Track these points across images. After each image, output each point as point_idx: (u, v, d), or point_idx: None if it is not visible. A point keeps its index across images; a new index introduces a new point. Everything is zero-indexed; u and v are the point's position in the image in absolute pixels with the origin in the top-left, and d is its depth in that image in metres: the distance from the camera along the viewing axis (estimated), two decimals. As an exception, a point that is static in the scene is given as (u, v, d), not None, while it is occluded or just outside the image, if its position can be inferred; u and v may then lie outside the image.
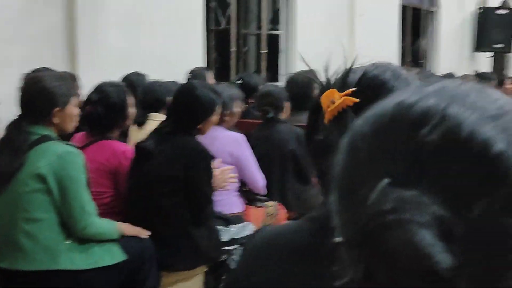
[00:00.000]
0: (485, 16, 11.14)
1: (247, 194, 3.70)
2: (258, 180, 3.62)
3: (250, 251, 0.96)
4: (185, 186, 2.94)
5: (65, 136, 2.85)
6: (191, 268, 3.05)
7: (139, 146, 3.04)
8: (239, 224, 3.35)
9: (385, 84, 0.90)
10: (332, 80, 0.89)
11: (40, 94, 2.66)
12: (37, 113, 2.68)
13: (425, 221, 0.45)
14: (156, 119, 3.61)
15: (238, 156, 3.49)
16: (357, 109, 0.78)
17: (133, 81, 4.34)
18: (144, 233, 2.92)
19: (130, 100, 3.24)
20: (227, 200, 3.43)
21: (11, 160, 2.60)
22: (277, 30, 7.87)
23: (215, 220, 3.19)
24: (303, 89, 4.48)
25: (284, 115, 4.00)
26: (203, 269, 3.11)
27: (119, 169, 3.07)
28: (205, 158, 2.99)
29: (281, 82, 6.81)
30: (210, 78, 5.21)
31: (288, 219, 3.68)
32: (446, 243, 0.44)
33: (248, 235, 3.30)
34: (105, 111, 3.09)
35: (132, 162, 3.04)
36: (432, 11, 10.84)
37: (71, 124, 2.78)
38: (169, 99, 3.35)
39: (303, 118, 4.13)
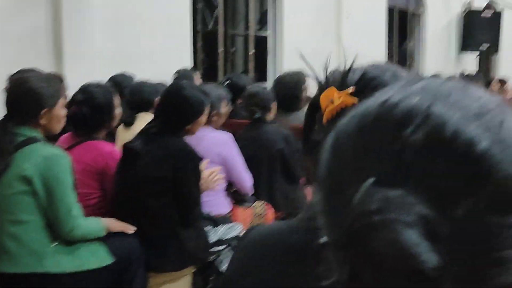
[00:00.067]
0: (470, 18, 11.23)
1: (235, 194, 3.70)
2: (246, 180, 3.61)
3: (243, 251, 0.96)
4: (173, 187, 2.93)
5: (51, 137, 2.83)
6: (179, 269, 3.04)
7: (126, 147, 3.03)
8: (227, 225, 3.34)
9: (385, 85, 0.90)
10: (331, 79, 0.89)
11: (27, 95, 2.64)
12: (23, 114, 2.66)
13: (411, 221, 0.45)
14: (143, 120, 3.60)
15: (226, 156, 3.49)
16: None
17: (120, 82, 4.33)
18: (130, 228, 2.90)
19: (116, 100, 3.22)
20: (214, 201, 3.43)
21: (-4, 162, 2.58)
22: (265, 31, 7.88)
23: (203, 221, 3.19)
24: (291, 90, 4.50)
25: (271, 115, 4.00)
26: (191, 270, 3.11)
27: (105, 169, 3.05)
28: (193, 159, 2.98)
29: (269, 83, 6.83)
30: (197, 79, 5.21)
31: (276, 219, 3.68)
32: (432, 242, 0.44)
33: (236, 236, 3.30)
34: (91, 111, 3.08)
35: (119, 162, 3.03)
36: (418, 13, 10.90)
37: (58, 126, 2.76)
38: (158, 99, 3.35)
39: (291, 118, 4.15)
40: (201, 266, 3.20)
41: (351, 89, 0.86)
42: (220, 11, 7.14)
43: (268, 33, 7.82)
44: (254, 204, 3.70)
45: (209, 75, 7.14)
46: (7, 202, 2.58)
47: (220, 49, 7.15)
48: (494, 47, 11.33)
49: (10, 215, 2.58)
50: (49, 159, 2.58)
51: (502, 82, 9.64)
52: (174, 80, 4.89)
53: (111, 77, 4.49)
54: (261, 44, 7.76)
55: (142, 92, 3.92)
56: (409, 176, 0.47)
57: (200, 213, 3.11)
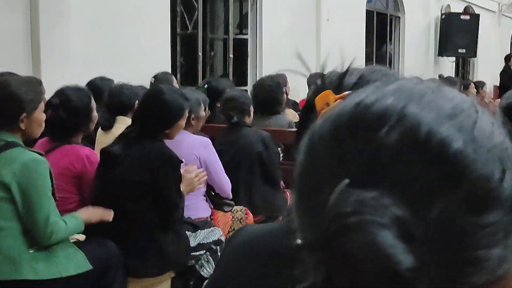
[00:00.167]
0: (448, 22, 11.35)
1: (215, 198, 3.70)
2: (225, 184, 3.62)
3: (231, 253, 0.96)
4: (152, 190, 2.92)
5: (28, 142, 2.80)
6: (158, 274, 3.02)
7: (105, 151, 3.01)
8: (207, 229, 3.34)
9: None
10: (327, 82, 0.88)
11: (7, 100, 2.61)
12: (3, 119, 2.63)
13: (386, 222, 0.44)
14: (123, 123, 3.58)
15: (205, 160, 3.49)
16: None
17: (98, 86, 4.31)
18: (109, 214, 2.89)
19: (93, 103, 3.20)
20: (194, 205, 3.42)
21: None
22: (244, 34, 7.89)
23: (183, 225, 3.18)
24: (271, 94, 4.51)
25: (249, 119, 4.01)
26: (170, 274, 3.09)
27: (83, 173, 3.03)
28: (172, 162, 2.97)
29: (249, 87, 6.83)
30: (174, 83, 5.19)
31: (256, 223, 3.68)
32: (407, 243, 0.44)
33: (216, 240, 3.30)
34: (67, 115, 3.05)
35: (98, 167, 3.01)
36: (397, 16, 10.99)
37: (38, 130, 2.74)
38: (138, 103, 3.35)
39: (272, 122, 4.16)
40: (181, 270, 3.18)
41: (347, 93, 0.86)
42: (199, 14, 7.13)
43: (248, 36, 7.83)
44: (234, 208, 3.69)
45: (188, 78, 7.13)
46: None
47: (199, 52, 7.15)
48: (472, 51, 11.46)
49: (-13, 221, 2.55)
50: (27, 165, 2.55)
51: (479, 85, 9.76)
52: (152, 84, 4.87)
53: (90, 81, 4.46)
54: (241, 47, 7.77)
55: (121, 95, 3.90)
56: (384, 177, 0.47)
57: (181, 217, 3.10)
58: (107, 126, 3.81)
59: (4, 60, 4.55)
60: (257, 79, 5.11)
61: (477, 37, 11.39)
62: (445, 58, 11.65)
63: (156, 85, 4.25)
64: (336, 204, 0.46)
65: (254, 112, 4.14)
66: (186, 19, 7.11)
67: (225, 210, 3.68)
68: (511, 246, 0.50)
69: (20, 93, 2.62)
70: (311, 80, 6.35)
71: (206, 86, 4.95)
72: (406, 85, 0.53)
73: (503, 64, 11.57)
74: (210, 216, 3.60)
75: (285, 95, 4.84)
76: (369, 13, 10.06)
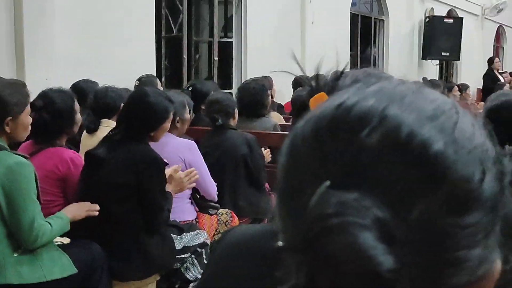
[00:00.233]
0: (432, 25, 11.42)
1: (200, 201, 3.69)
2: (211, 187, 3.61)
3: (220, 254, 0.95)
4: (137, 193, 2.91)
5: (12, 144, 2.78)
6: (143, 277, 3.01)
7: (90, 154, 3.00)
8: (192, 232, 3.33)
9: None
10: (322, 84, 0.88)
11: None
12: None
13: (367, 223, 0.45)
14: (108, 126, 3.56)
15: (191, 162, 3.48)
16: None
17: (83, 88, 4.28)
18: (95, 208, 2.87)
19: (77, 106, 3.18)
20: (179, 208, 3.41)
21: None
22: (229, 37, 7.89)
23: (168, 228, 3.17)
24: (255, 96, 4.51)
25: (234, 121, 4.01)
26: (156, 277, 3.08)
27: (68, 176, 3.01)
28: (157, 165, 2.96)
29: (234, 89, 6.83)
30: (159, 86, 5.18)
31: (241, 225, 3.68)
32: (388, 245, 0.44)
33: (201, 243, 3.29)
34: (51, 117, 3.03)
35: (82, 169, 3.00)
36: (381, 20, 11.04)
37: (24, 133, 2.72)
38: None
39: (256, 124, 4.15)
40: (166, 273, 3.17)
41: None
42: (184, 17, 7.12)
43: (233, 39, 7.83)
44: (219, 211, 3.69)
45: (173, 81, 7.11)
46: None
47: (184, 55, 7.13)
48: (455, 54, 11.53)
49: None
50: (12, 168, 2.53)
51: (463, 88, 9.84)
52: (136, 87, 4.86)
53: (74, 83, 4.43)
54: (226, 50, 7.76)
55: (106, 98, 3.88)
56: (365, 179, 0.47)
57: (166, 219, 3.09)
58: (92, 128, 3.79)
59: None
60: (242, 82, 5.11)
61: (460, 40, 11.47)
62: (429, 61, 11.72)
63: (141, 87, 4.24)
64: (318, 206, 0.46)
65: (239, 114, 4.14)
66: (171, 21, 7.10)
67: (210, 213, 3.67)
68: (491, 246, 0.51)
69: (4, 96, 2.60)
70: (296, 82, 6.34)
71: (190, 88, 4.94)
72: (387, 86, 0.53)
73: (486, 67, 11.67)
74: (195, 219, 3.60)
75: (270, 97, 4.84)
76: (353, 16, 10.11)
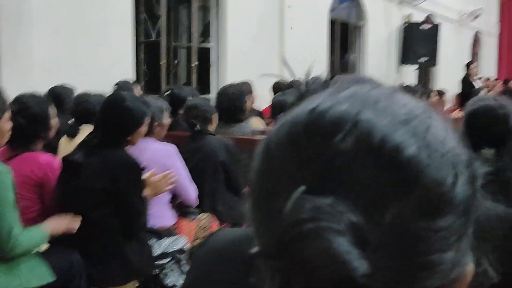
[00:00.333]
0: (410, 31, 11.52)
1: (179, 206, 3.68)
2: (191, 192, 3.60)
3: (202, 259, 0.95)
4: (115, 198, 2.89)
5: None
6: (122, 284, 2.99)
7: (67, 159, 2.97)
8: (171, 238, 3.32)
9: None
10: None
11: None
12: None
13: (341, 228, 0.45)
14: (87, 131, 3.54)
15: (170, 167, 3.46)
16: None
17: (59, 94, 4.27)
18: (75, 222, 2.84)
19: (52, 110, 3.15)
20: (158, 213, 3.40)
21: None
22: (208, 42, 7.89)
23: (147, 234, 3.15)
24: (234, 102, 4.51)
25: (212, 127, 4.00)
26: (134, 284, 3.06)
27: (45, 180, 2.99)
28: (134, 169, 2.95)
29: (213, 95, 6.82)
30: (137, 91, 5.17)
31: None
32: (362, 249, 0.45)
33: (180, 249, 3.28)
34: (26, 122, 3.00)
35: (59, 175, 2.97)
36: (359, 26, 11.11)
37: (3, 140, 2.70)
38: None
39: (235, 130, 4.14)
40: (145, 279, 3.15)
41: None
42: (163, 22, 7.11)
43: (211, 44, 7.83)
44: (198, 217, 3.68)
45: (152, 87, 7.09)
46: None
47: (163, 60, 7.12)
48: (432, 60, 11.64)
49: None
50: None
51: (440, 93, 9.94)
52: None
53: (50, 88, 4.41)
54: (204, 55, 7.76)
55: (86, 102, 3.89)
56: (340, 183, 0.47)
57: (144, 225, 3.08)
58: (73, 134, 3.78)
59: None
60: (221, 87, 5.11)
61: (437, 46, 11.58)
62: (407, 66, 11.81)
63: (117, 92, 4.23)
64: (292, 211, 0.46)
65: (218, 120, 4.14)
66: (150, 26, 7.08)
67: (190, 218, 3.66)
68: (464, 249, 0.51)
69: None
70: (276, 87, 6.33)
71: (168, 93, 4.93)
72: (360, 91, 0.54)
73: (464, 72, 11.80)
74: (175, 224, 3.58)
75: (247, 103, 4.85)
76: (332, 22, 10.16)
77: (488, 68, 15.85)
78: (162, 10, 7.05)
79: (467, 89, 10.77)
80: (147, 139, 3.36)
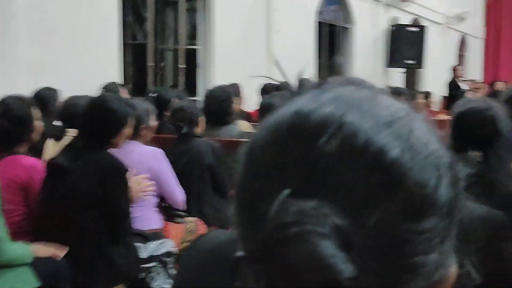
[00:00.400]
0: (397, 33, 11.57)
1: (166, 209, 3.66)
2: (178, 195, 3.59)
3: (191, 261, 0.94)
4: (101, 201, 2.88)
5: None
6: (108, 287, 2.97)
7: (52, 163, 2.96)
8: (158, 241, 3.31)
9: None
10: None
11: None
12: None
13: (326, 232, 0.45)
14: (74, 134, 3.53)
15: (157, 170, 3.46)
16: None
17: (44, 96, 4.25)
18: (60, 253, 2.82)
19: (36, 113, 3.13)
20: (145, 216, 3.39)
21: None
22: (195, 45, 7.88)
23: (133, 237, 3.14)
24: (221, 104, 4.50)
25: (199, 129, 3.99)
26: (121, 287, 3.05)
27: (29, 184, 2.97)
28: (120, 172, 2.94)
29: (200, 97, 6.82)
30: (124, 93, 5.15)
31: (208, 234, 3.66)
32: (347, 252, 0.44)
33: (167, 252, 3.27)
34: (10, 125, 2.98)
35: (45, 178, 2.95)
36: (346, 28, 11.14)
37: None
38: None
39: (222, 132, 4.14)
40: (132, 283, 3.14)
41: None
42: (149, 24, 7.10)
43: (199, 47, 7.82)
44: (185, 220, 3.67)
45: (139, 89, 7.07)
46: None
47: (150, 63, 7.10)
48: (419, 62, 11.70)
49: None
50: None
51: (427, 95, 10.00)
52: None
53: (36, 91, 4.38)
54: (191, 58, 7.75)
55: (73, 105, 3.87)
56: (324, 186, 0.47)
57: (130, 228, 3.06)
58: (58, 136, 3.77)
59: None
60: (208, 89, 5.10)
61: (424, 48, 11.64)
62: (393, 69, 11.86)
63: (101, 94, 4.23)
64: (277, 215, 0.46)
65: (206, 122, 4.13)
66: (137, 29, 7.07)
67: (177, 221, 3.65)
68: (447, 251, 0.51)
69: None
70: (265, 89, 6.33)
71: (154, 95, 4.93)
72: (344, 93, 0.53)
73: (450, 74, 11.87)
74: (162, 227, 3.57)
75: (235, 105, 4.84)
76: (319, 24, 10.18)
77: (474, 70, 15.96)
78: (149, 12, 7.04)
79: (454, 92, 10.85)
80: (134, 142, 3.34)
